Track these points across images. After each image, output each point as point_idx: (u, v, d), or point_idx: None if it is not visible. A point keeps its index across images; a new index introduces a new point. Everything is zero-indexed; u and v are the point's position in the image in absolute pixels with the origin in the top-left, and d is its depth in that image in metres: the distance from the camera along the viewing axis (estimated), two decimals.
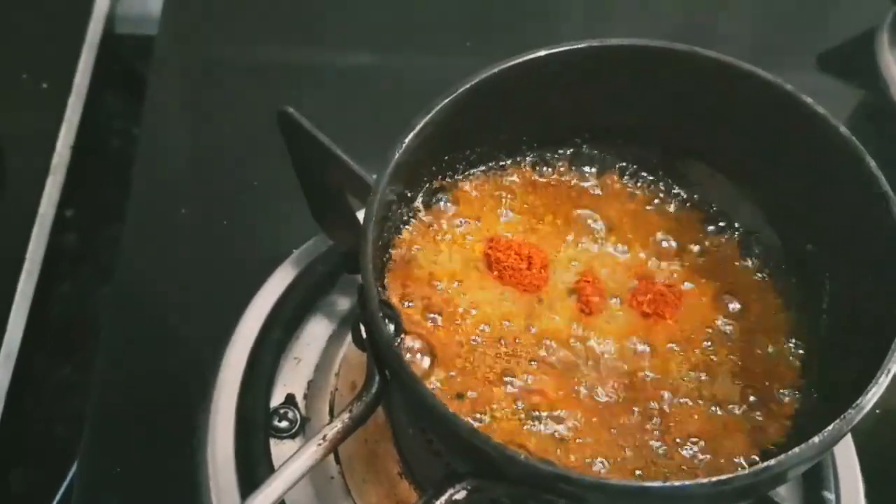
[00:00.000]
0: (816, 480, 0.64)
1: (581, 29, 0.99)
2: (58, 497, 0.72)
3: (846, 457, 0.65)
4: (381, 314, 0.48)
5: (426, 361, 0.53)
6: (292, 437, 0.62)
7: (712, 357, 0.55)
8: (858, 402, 0.45)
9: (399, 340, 0.53)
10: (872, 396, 0.46)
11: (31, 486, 0.75)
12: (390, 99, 0.86)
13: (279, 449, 0.61)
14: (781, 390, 0.55)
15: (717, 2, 1.06)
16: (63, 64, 0.88)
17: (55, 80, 0.87)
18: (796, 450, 0.44)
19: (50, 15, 0.92)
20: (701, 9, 1.05)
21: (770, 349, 0.56)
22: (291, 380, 0.65)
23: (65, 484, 0.72)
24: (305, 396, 0.65)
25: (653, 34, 0.58)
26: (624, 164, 0.63)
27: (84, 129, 0.87)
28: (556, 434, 0.52)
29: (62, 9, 0.93)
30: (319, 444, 0.48)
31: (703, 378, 0.55)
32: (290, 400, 0.64)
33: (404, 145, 0.53)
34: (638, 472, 0.50)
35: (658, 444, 0.52)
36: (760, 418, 0.54)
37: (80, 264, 0.87)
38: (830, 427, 0.45)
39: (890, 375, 0.46)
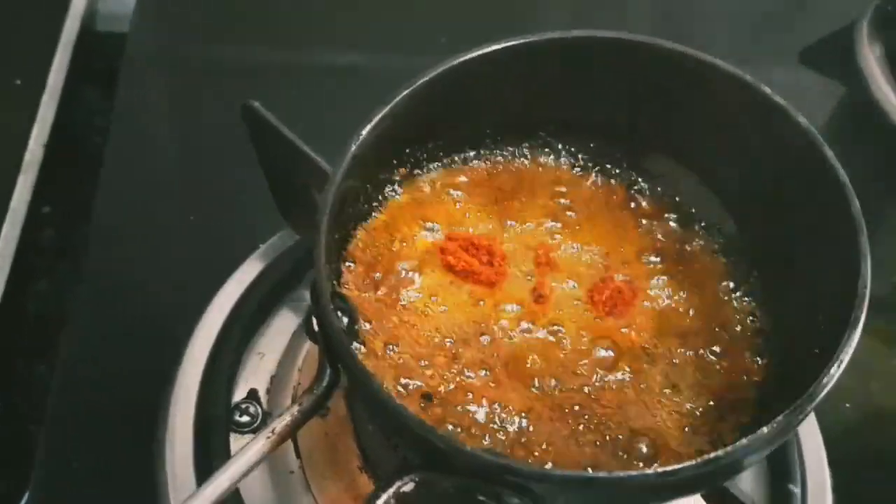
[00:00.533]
0: (782, 473, 0.63)
1: (567, 24, 0.99)
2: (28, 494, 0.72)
3: (814, 450, 0.65)
4: (332, 307, 0.47)
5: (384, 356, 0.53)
6: (253, 431, 0.62)
7: (676, 351, 0.55)
8: (810, 391, 0.45)
9: (354, 332, 0.52)
10: (823, 388, 0.45)
11: (3, 485, 0.74)
12: (364, 98, 0.85)
13: (240, 444, 0.61)
14: (744, 380, 0.54)
15: None
16: (37, 61, 0.88)
17: (29, 77, 0.87)
18: (744, 440, 0.44)
19: (26, 11, 0.91)
20: (682, 5, 1.05)
21: (731, 341, 0.56)
22: (254, 375, 0.65)
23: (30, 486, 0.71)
24: (268, 391, 0.65)
25: (633, 30, 0.58)
26: (588, 156, 0.62)
27: (60, 127, 0.86)
28: (514, 429, 0.51)
29: (38, 5, 0.92)
30: (268, 438, 0.48)
31: (666, 371, 0.54)
32: (252, 395, 0.64)
33: (361, 137, 0.53)
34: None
35: (618, 437, 0.51)
36: (723, 411, 0.53)
37: (56, 261, 0.87)
38: (780, 417, 0.44)
39: (842, 367, 0.46)
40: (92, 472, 0.63)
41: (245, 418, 0.63)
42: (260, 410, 0.63)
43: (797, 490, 0.63)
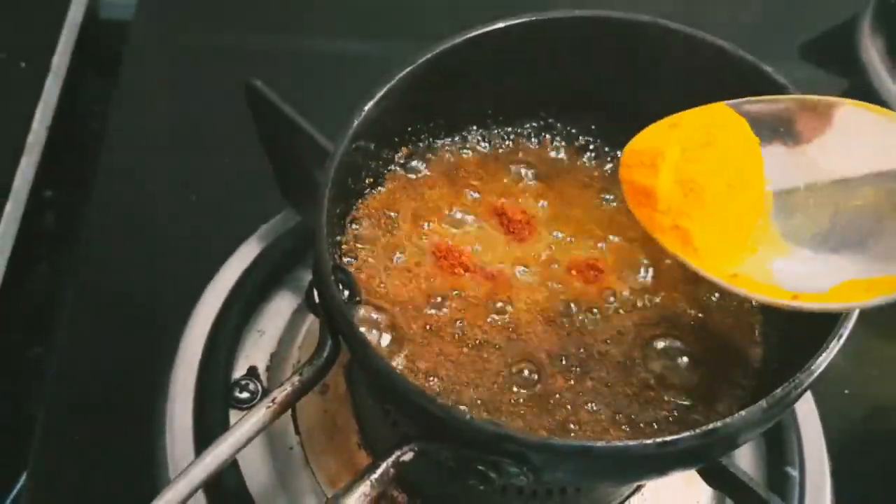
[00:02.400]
0: (781, 456, 0.64)
1: (572, 4, 0.99)
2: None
3: (813, 434, 0.65)
4: (333, 278, 0.48)
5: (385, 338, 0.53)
6: (253, 407, 0.62)
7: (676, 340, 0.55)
8: (808, 365, 0.45)
9: (355, 304, 0.52)
10: (823, 361, 0.45)
11: (2, 461, 0.75)
12: (366, 85, 0.86)
13: None
14: (742, 363, 0.54)
15: None
16: (42, 44, 0.89)
17: (34, 60, 0.87)
18: (743, 413, 0.44)
19: None
20: (683, 1, 1.05)
21: (732, 326, 0.56)
22: (254, 352, 0.66)
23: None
24: (268, 369, 0.65)
25: None
26: (589, 137, 0.62)
27: (63, 111, 0.87)
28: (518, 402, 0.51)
29: None
30: (269, 407, 0.48)
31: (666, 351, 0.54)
32: (251, 372, 0.64)
33: (363, 113, 0.53)
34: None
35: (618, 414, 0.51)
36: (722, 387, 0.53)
37: (58, 245, 0.87)
38: (779, 390, 0.44)
39: (841, 341, 0.46)
40: (91, 449, 0.63)
41: (245, 395, 0.63)
42: (260, 387, 0.63)
43: (795, 473, 0.63)
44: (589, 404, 0.51)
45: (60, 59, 0.89)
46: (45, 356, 0.79)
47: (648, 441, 0.42)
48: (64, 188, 0.88)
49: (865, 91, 0.93)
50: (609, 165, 0.62)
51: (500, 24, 0.56)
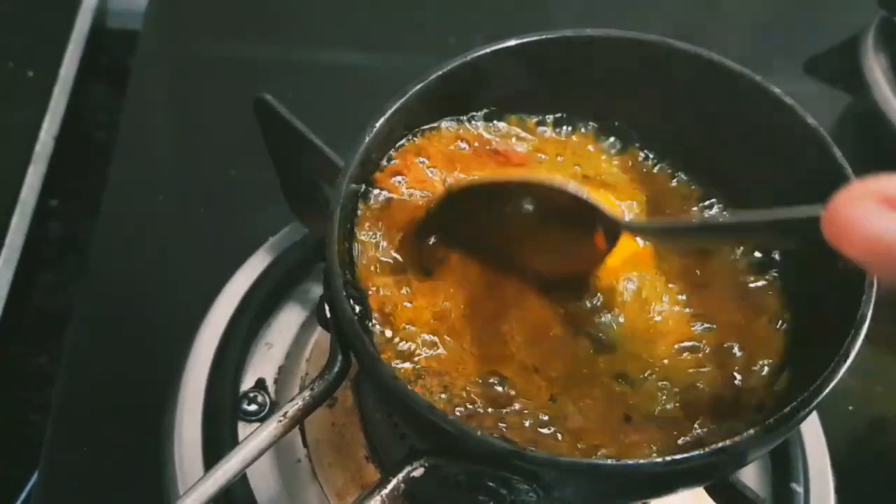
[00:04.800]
0: (785, 472, 0.64)
1: (575, 23, 0.99)
2: (31, 482, 0.72)
3: (817, 450, 0.65)
4: (345, 294, 0.48)
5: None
6: (261, 420, 0.62)
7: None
8: (816, 385, 0.45)
9: (366, 319, 0.53)
10: (829, 382, 0.46)
11: (3, 472, 0.75)
12: (373, 97, 0.86)
13: (247, 432, 0.61)
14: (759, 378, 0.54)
15: (705, 8, 1.07)
16: (50, 54, 0.89)
17: (41, 70, 0.88)
18: (751, 431, 0.44)
19: (39, 4, 0.93)
20: (688, 15, 1.05)
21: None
22: (262, 365, 0.66)
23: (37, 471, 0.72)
24: (276, 381, 0.65)
25: None
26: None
27: (70, 120, 0.87)
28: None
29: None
30: (280, 421, 0.48)
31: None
32: (260, 384, 0.65)
33: (375, 129, 0.53)
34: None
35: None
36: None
37: (63, 254, 0.88)
38: (786, 409, 0.45)
39: (849, 361, 0.46)
40: (100, 459, 0.63)
41: (253, 407, 0.63)
42: (268, 399, 0.64)
43: (800, 489, 0.63)
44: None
45: (68, 69, 0.89)
46: (50, 365, 0.80)
47: (657, 459, 0.43)
48: (69, 197, 0.88)
49: (868, 107, 0.93)
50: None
51: (511, 43, 0.56)
